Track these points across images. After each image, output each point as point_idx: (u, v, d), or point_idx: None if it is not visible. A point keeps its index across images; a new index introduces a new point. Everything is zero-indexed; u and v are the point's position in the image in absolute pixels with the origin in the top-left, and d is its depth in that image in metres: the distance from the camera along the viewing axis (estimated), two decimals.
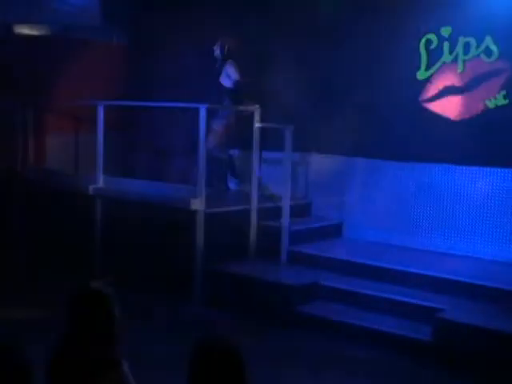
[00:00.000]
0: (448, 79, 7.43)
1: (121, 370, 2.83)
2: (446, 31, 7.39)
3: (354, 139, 7.89)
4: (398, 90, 7.64)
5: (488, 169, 7.18)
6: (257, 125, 7.69)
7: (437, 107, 7.51)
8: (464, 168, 7.32)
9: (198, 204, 7.11)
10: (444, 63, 7.46)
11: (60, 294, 5.00)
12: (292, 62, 8.27)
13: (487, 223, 7.21)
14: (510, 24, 6.97)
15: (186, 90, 8.77)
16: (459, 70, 7.36)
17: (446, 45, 7.41)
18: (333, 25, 7.98)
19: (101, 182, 8.06)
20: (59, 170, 9.19)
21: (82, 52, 9.42)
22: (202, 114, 7.15)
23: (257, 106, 7.72)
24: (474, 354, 5.49)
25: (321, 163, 8.33)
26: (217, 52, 8.36)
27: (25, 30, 9.81)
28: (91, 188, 8.02)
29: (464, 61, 7.32)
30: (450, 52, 7.39)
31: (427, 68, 7.55)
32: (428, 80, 7.55)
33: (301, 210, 8.12)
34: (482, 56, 7.20)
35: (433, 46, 7.49)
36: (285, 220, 7.42)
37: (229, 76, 8.22)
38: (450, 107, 7.42)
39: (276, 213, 7.51)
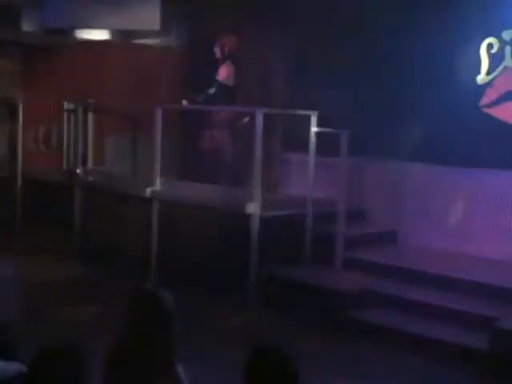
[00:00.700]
0: (510, 84, 7.28)
1: (176, 371, 2.87)
2: (508, 35, 7.24)
3: (410, 144, 7.80)
4: (457, 94, 7.52)
5: None
6: (313, 129, 7.68)
7: (497, 112, 7.35)
8: None
9: (253, 208, 7.14)
10: (506, 68, 7.31)
11: (118, 295, 5.11)
12: (346, 65, 8.21)
13: None
14: None
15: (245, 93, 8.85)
16: None
17: (507, 49, 7.27)
18: (388, 27, 7.90)
19: (158, 184, 8.18)
20: (117, 171, 9.37)
21: (142, 56, 9.59)
22: (259, 118, 7.18)
23: (315, 112, 7.70)
24: None
25: (376, 168, 8.26)
26: (217, 53, 8.57)
27: (85, 34, 10.07)
28: (148, 190, 8.14)
29: None
30: None
31: (488, 72, 7.41)
32: (489, 85, 7.41)
33: (356, 216, 8.07)
34: None
35: (494, 50, 7.35)
36: (340, 225, 7.39)
37: (220, 75, 8.54)
38: (511, 112, 7.26)
39: (331, 218, 7.48)
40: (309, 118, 7.66)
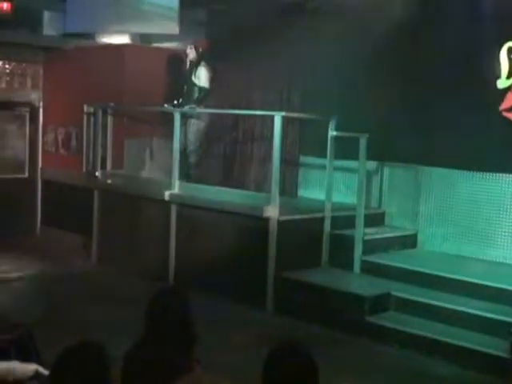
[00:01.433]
0: None
1: (196, 373, 2.88)
2: None
3: (430, 148, 7.74)
4: (476, 98, 7.46)
5: None
6: (332, 133, 7.66)
7: None
8: None
9: (271, 211, 7.14)
10: None
11: (136, 297, 5.13)
12: (367, 72, 8.16)
13: None
14: None
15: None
16: None
17: None
18: (410, 33, 7.86)
19: (176, 187, 8.20)
20: (136, 174, 9.42)
21: (161, 59, 9.63)
22: (277, 121, 7.19)
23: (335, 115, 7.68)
24: None
25: (396, 172, 8.22)
26: (191, 55, 8.97)
27: (106, 38, 10.14)
28: (167, 194, 8.17)
29: None
30: None
31: (508, 76, 7.35)
32: (509, 89, 7.35)
33: (374, 220, 8.04)
34: None
35: None
36: (358, 229, 7.36)
37: (199, 78, 8.80)
38: None
39: (349, 222, 7.46)
40: (327, 122, 7.66)
